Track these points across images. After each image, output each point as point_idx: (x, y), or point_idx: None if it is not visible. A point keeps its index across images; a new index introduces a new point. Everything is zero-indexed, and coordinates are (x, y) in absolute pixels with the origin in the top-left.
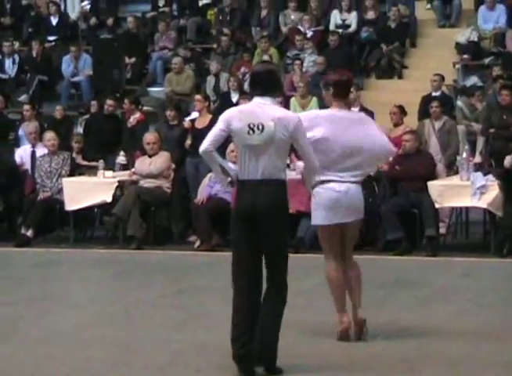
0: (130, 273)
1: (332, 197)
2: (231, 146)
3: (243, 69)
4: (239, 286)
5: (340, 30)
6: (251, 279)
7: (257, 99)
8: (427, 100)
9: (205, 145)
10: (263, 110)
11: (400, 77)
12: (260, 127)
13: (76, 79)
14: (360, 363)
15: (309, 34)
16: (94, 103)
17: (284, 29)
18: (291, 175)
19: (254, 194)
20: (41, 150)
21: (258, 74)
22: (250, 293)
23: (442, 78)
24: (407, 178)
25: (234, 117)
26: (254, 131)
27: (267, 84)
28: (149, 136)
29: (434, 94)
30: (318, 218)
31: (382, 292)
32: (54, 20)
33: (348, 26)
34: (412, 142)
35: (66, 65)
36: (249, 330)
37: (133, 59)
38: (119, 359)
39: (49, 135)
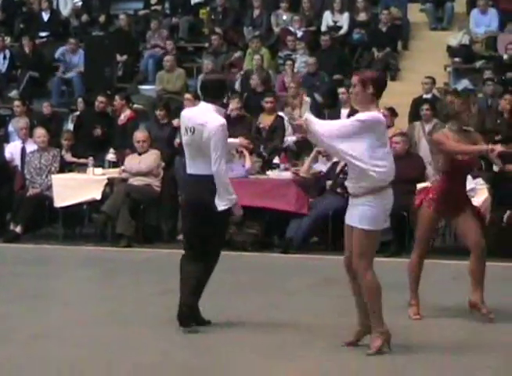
0: (119, 271)
1: (392, 201)
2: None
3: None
4: None
5: (331, 32)
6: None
7: (202, 104)
8: (418, 103)
9: None
10: (200, 114)
11: (393, 79)
12: (192, 129)
13: (68, 76)
14: (350, 366)
15: (299, 34)
16: (80, 100)
17: (276, 29)
18: (281, 175)
19: (189, 187)
20: (31, 147)
21: (207, 82)
22: None
23: (433, 81)
24: (397, 181)
25: (182, 119)
26: (187, 132)
27: (212, 91)
28: (139, 134)
29: (425, 96)
30: (381, 222)
31: None
32: (46, 16)
33: (340, 27)
34: (403, 145)
35: (61, 55)
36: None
37: (124, 57)
38: (108, 357)
39: (39, 132)
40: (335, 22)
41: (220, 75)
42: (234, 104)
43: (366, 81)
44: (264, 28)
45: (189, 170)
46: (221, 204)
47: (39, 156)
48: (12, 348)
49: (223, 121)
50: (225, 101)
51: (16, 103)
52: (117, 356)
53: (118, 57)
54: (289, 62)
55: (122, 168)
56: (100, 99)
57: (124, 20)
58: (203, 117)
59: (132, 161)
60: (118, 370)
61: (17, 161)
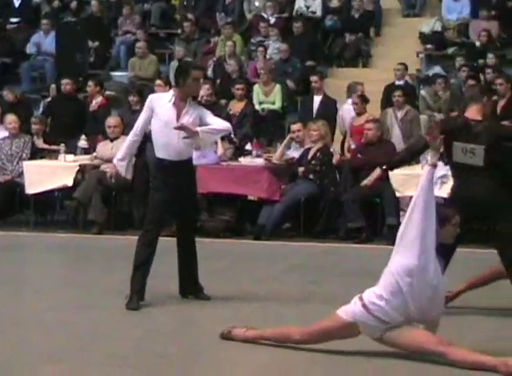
0: (91, 258)
1: None
2: None
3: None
4: None
5: (304, 19)
6: None
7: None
8: (390, 89)
9: None
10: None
11: (365, 65)
12: None
13: (39, 58)
14: (322, 353)
15: (272, 20)
16: (53, 86)
17: (249, 16)
18: (253, 162)
19: None
20: (1, 133)
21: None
22: None
23: (406, 68)
24: (369, 167)
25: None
26: None
27: (174, 78)
28: (111, 120)
29: (397, 83)
30: None
31: (346, 281)
32: (17, 2)
33: (314, 12)
34: (375, 131)
35: (37, 39)
36: None
37: (96, 43)
38: (81, 345)
39: (10, 118)
40: (307, 7)
41: (182, 62)
42: (205, 91)
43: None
44: (236, 14)
45: None
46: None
47: (10, 142)
48: None
49: (153, 96)
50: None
51: None
52: (89, 343)
53: (90, 43)
54: (261, 48)
55: (94, 154)
56: (65, 81)
57: (95, 6)
58: None
59: (104, 148)
60: (92, 357)
61: None
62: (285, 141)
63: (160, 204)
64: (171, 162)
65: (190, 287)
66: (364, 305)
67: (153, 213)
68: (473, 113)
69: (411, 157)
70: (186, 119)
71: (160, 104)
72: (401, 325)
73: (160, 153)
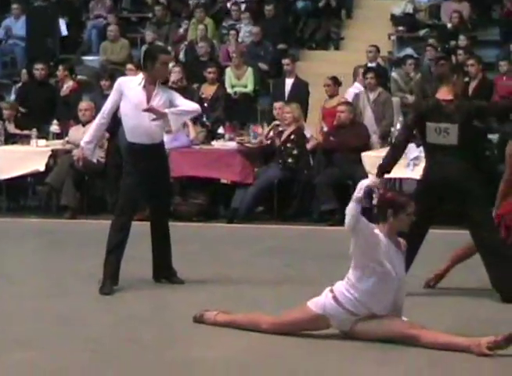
0: (64, 243)
1: None
2: None
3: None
4: None
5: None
6: None
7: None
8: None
9: None
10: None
11: (336, 48)
12: None
13: (10, 43)
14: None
15: (243, 6)
16: (24, 71)
17: None
18: (226, 145)
19: None
20: None
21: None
22: None
23: (378, 50)
24: (342, 149)
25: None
26: None
27: (142, 61)
28: (83, 104)
29: (369, 65)
30: None
31: (320, 263)
32: None
33: None
34: (347, 114)
35: (8, 23)
36: None
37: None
38: (56, 331)
39: None
40: None
41: (152, 46)
42: (176, 75)
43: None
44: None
45: None
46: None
47: None
48: None
49: (122, 79)
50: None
51: None
52: (64, 329)
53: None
54: (232, 32)
55: (66, 139)
56: (39, 66)
57: None
58: None
59: (76, 132)
60: (67, 343)
61: None
62: (270, 126)
63: (132, 189)
64: (142, 146)
65: (164, 271)
66: (335, 298)
67: (124, 197)
68: (444, 93)
69: (400, 154)
70: (156, 102)
71: (130, 87)
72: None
73: (130, 137)
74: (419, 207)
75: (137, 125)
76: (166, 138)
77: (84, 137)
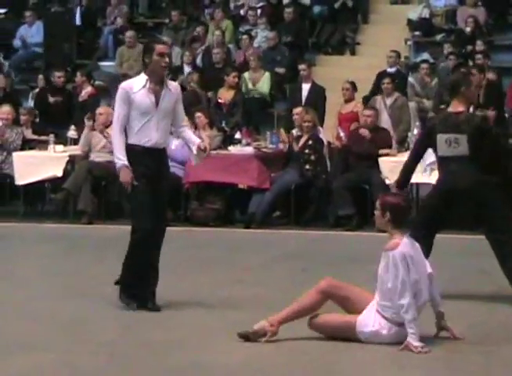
0: (81, 248)
1: None
2: None
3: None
4: None
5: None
6: None
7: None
8: (381, 77)
9: None
10: None
11: (352, 53)
12: None
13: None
14: (315, 338)
15: (259, 9)
16: (41, 77)
17: (232, 5)
18: (243, 150)
19: None
20: None
21: None
22: None
23: (398, 55)
24: (363, 155)
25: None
26: None
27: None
28: (100, 109)
29: (389, 70)
30: None
31: (336, 268)
32: None
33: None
34: (373, 119)
35: (23, 32)
36: None
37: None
38: (70, 333)
39: (6, 109)
40: None
41: (147, 43)
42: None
43: (384, 207)
44: (221, 3)
45: None
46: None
47: (2, 133)
48: None
49: (122, 85)
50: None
51: None
52: (78, 332)
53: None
54: (245, 36)
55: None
56: (58, 74)
57: None
58: None
59: (96, 137)
60: (80, 345)
61: None
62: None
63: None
64: (145, 149)
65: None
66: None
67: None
68: (455, 106)
69: (415, 166)
70: (165, 104)
71: (134, 92)
72: None
73: (133, 140)
74: (426, 210)
75: (144, 128)
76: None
77: (120, 157)
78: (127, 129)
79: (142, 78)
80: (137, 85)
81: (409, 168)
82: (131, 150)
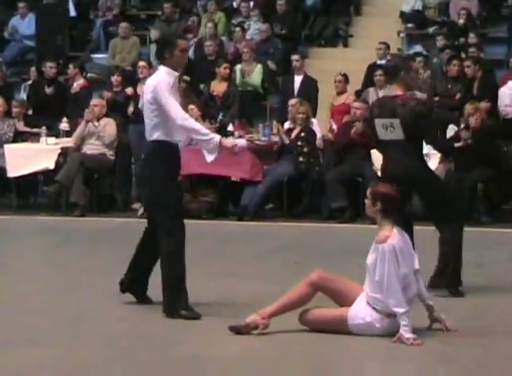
0: (73, 240)
1: None
2: None
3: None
4: None
5: None
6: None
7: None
8: (372, 69)
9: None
10: (151, 77)
11: (345, 45)
12: (143, 93)
13: (18, 41)
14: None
15: (251, 2)
16: (33, 69)
17: None
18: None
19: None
20: None
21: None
22: None
23: (387, 47)
24: (355, 147)
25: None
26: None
27: (157, 52)
28: (94, 100)
29: (379, 62)
30: None
31: (330, 260)
32: None
33: None
34: (362, 111)
35: (15, 23)
36: None
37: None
38: (66, 326)
39: None
40: None
41: (163, 35)
42: None
43: (375, 196)
44: None
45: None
46: (209, 156)
47: None
48: None
49: (159, 79)
50: None
51: None
52: (77, 325)
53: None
54: (237, 28)
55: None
56: (49, 64)
57: None
58: (148, 81)
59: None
60: (77, 338)
61: None
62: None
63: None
64: (176, 146)
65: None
66: None
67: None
68: (394, 91)
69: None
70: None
71: (171, 86)
72: None
73: (168, 137)
74: None
75: (173, 124)
76: None
77: (211, 133)
78: (159, 125)
79: (171, 74)
80: (170, 80)
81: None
82: (168, 147)
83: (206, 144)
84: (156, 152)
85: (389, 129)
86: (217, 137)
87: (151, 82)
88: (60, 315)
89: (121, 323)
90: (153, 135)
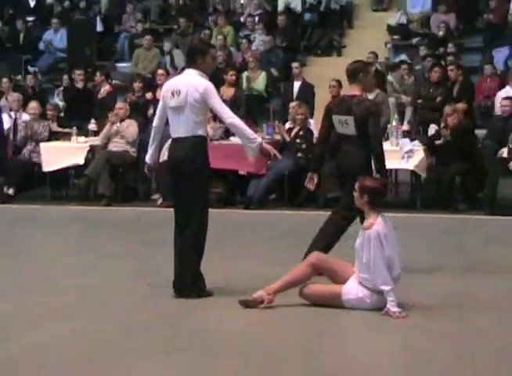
0: (101, 227)
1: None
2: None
3: None
4: None
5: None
6: (178, 224)
7: (186, 70)
8: None
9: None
10: (184, 78)
11: (339, 54)
12: (177, 92)
13: (52, 52)
14: (304, 311)
15: (257, 17)
16: (65, 77)
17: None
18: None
19: (173, 149)
20: (23, 117)
21: (188, 49)
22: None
23: (376, 56)
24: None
25: (165, 87)
26: (174, 95)
27: (190, 57)
28: (119, 104)
29: None
30: None
31: None
32: (32, 3)
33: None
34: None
35: (48, 36)
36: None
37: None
38: (91, 304)
39: (33, 105)
40: (288, 3)
41: (195, 42)
42: None
43: (362, 190)
44: (224, 11)
45: (175, 133)
46: (251, 156)
47: (31, 126)
48: (2, 295)
49: (207, 82)
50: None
51: (4, 79)
52: (99, 302)
53: None
54: (244, 40)
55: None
56: (78, 72)
57: (104, 5)
58: (187, 81)
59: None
60: (102, 316)
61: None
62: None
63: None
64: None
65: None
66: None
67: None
68: (352, 90)
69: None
70: None
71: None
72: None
73: (203, 132)
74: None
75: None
76: None
77: (256, 136)
78: (202, 123)
79: (204, 77)
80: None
81: (319, 152)
82: (205, 140)
83: (250, 143)
84: (200, 146)
85: (344, 125)
86: (259, 139)
87: (200, 84)
88: (87, 293)
89: (141, 302)
90: (198, 131)
